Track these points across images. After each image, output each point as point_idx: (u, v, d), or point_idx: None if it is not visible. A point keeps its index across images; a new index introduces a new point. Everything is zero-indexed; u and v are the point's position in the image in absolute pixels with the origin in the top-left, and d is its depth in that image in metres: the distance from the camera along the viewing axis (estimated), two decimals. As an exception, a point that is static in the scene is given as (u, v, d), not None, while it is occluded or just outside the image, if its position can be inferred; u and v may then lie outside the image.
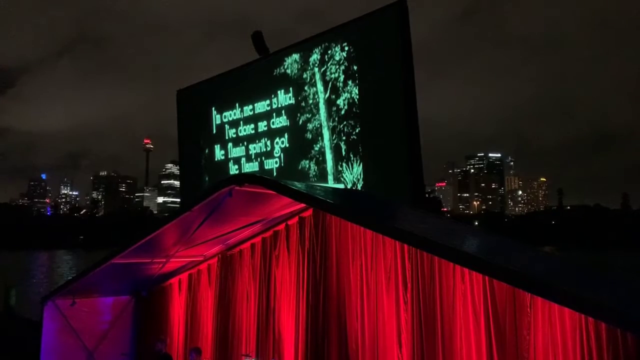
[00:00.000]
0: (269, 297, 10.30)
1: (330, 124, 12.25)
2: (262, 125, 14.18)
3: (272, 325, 10.14)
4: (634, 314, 4.80)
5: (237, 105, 15.04)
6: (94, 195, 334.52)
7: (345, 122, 11.93)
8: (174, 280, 12.33)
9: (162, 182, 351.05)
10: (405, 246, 7.97)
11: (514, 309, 6.60)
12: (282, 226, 10.23)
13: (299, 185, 8.53)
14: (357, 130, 11.67)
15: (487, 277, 6.83)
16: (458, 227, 10.08)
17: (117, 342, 12.13)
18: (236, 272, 11.13)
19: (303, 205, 9.44)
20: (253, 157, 14.44)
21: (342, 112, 12.00)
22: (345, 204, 8.23)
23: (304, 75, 13.01)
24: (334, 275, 9.13)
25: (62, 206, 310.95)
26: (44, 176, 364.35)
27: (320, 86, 12.60)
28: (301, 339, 9.43)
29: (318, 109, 12.61)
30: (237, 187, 8.00)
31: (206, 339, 11.46)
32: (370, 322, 8.44)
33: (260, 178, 8.58)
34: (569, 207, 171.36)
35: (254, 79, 14.55)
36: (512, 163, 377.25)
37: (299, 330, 9.50)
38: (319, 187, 10.00)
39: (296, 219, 9.93)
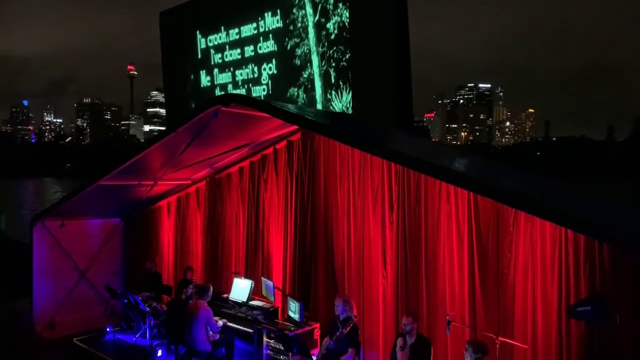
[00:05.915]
0: (257, 219, 10.46)
1: (320, 49, 11.97)
2: (248, 50, 13.82)
3: (261, 245, 10.37)
4: (615, 226, 4.95)
5: (222, 28, 14.58)
6: (79, 122, 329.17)
7: (334, 48, 11.64)
8: (162, 203, 12.46)
9: (148, 110, 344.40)
10: (393, 168, 8.04)
11: (497, 228, 6.76)
12: (270, 150, 10.24)
13: (288, 107, 8.44)
14: (347, 57, 11.40)
15: (472, 198, 6.96)
16: (446, 150, 10.14)
17: (108, 261, 12.38)
18: (224, 195, 11.23)
19: (291, 128, 9.41)
20: (240, 83, 14.17)
21: (332, 36, 11.69)
22: (335, 125, 8.18)
23: (292, -4, 12.59)
24: (322, 197, 9.25)
25: (46, 134, 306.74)
26: (25, 102, 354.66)
27: (309, 8, 12.21)
28: (289, 258, 9.69)
29: (307, 33, 12.27)
30: (223, 108, 7.83)
31: (196, 258, 11.74)
32: (356, 241, 8.64)
33: (246, 98, 8.48)
34: (554, 139, 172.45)
35: (239, 0, 14.07)
36: (501, 94, 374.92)
37: (287, 249, 9.73)
38: (308, 110, 9.93)
39: (284, 142, 9.91)
